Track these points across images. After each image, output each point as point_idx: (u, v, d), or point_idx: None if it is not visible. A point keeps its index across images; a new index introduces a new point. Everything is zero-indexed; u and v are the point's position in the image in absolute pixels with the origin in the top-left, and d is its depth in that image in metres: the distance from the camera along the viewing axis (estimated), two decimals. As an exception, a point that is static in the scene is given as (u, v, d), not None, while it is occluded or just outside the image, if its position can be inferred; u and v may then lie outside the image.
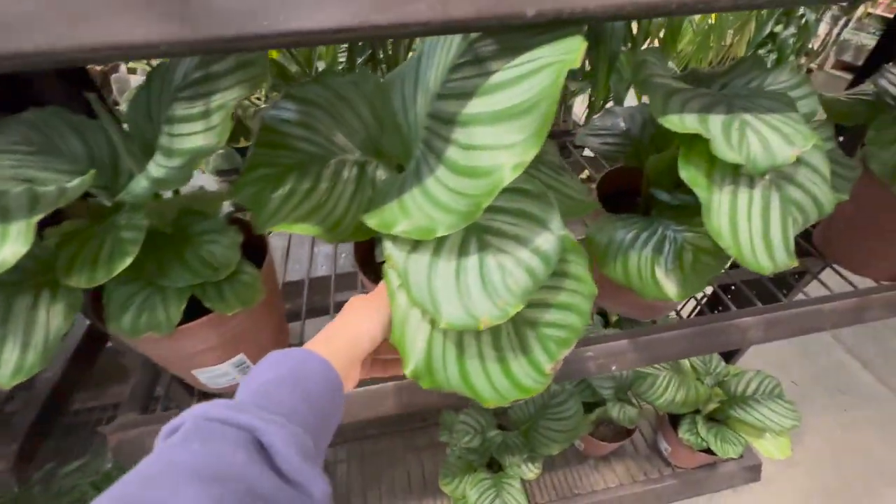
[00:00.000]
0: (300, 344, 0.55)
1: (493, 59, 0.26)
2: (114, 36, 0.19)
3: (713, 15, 2.30)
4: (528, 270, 0.27)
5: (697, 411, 1.02)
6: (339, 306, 0.62)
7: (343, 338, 0.30)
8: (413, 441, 1.19)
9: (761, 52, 2.36)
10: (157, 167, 0.31)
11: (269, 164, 0.33)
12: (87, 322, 0.56)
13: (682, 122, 0.28)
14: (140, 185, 0.28)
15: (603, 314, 1.08)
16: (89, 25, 0.19)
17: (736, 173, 0.30)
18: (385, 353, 0.36)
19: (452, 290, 0.27)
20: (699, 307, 1.02)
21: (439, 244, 0.29)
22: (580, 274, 0.31)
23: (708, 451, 0.97)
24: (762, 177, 0.30)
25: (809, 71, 2.65)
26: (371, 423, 1.24)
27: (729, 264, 0.81)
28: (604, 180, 0.52)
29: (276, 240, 0.79)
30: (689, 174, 0.29)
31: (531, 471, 0.88)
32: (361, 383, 0.47)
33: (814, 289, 0.62)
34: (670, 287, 0.39)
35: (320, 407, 0.26)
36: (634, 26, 0.88)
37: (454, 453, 0.92)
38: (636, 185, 0.50)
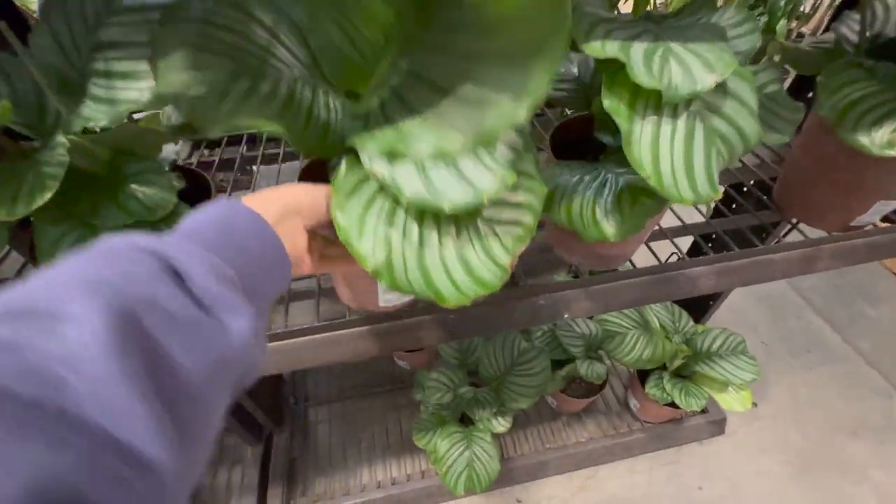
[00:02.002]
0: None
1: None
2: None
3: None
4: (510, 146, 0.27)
5: (665, 368, 1.05)
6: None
7: (278, 205, 0.28)
8: (392, 401, 1.22)
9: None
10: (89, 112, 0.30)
11: (209, 67, 0.31)
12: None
13: (602, 48, 0.28)
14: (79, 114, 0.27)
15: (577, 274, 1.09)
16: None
17: (659, 104, 0.29)
18: (332, 251, 0.35)
19: (449, 174, 0.27)
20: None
21: None
22: (531, 171, 0.31)
23: (673, 405, 1.01)
24: (686, 107, 0.30)
25: (801, 35, 2.60)
26: (351, 384, 1.26)
27: (711, 214, 0.82)
28: (556, 131, 0.51)
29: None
30: (612, 103, 0.29)
31: (501, 424, 0.92)
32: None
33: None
34: (609, 228, 0.39)
35: (253, 254, 0.24)
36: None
37: (427, 410, 0.95)
38: (588, 134, 0.50)
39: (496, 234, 0.30)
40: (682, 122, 0.30)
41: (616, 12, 0.42)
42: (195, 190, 0.45)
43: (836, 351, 1.40)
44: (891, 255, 0.62)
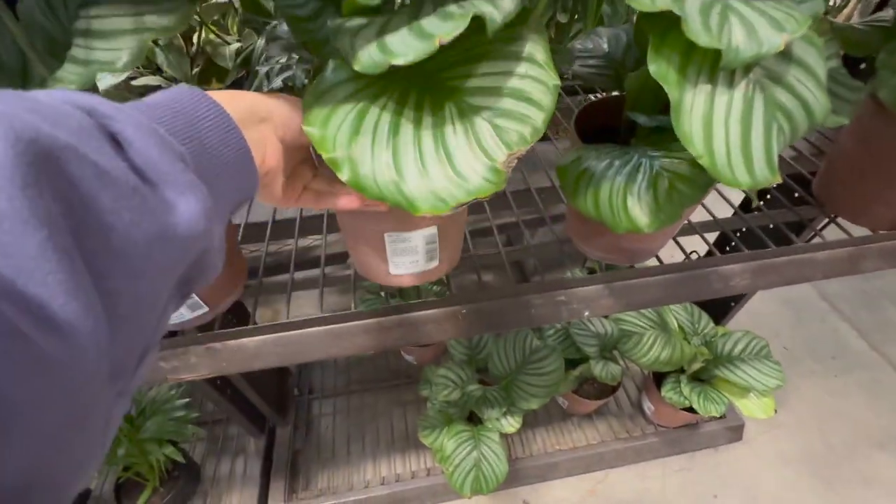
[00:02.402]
0: (259, 284, 0.53)
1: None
2: None
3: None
4: None
5: (682, 371, 1.00)
6: (302, 252, 0.59)
7: (243, 104, 0.24)
8: (398, 396, 1.20)
9: None
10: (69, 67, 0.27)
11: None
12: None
13: (653, 1, 0.24)
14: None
15: (592, 270, 1.05)
16: None
17: (715, 70, 0.25)
18: (318, 185, 0.32)
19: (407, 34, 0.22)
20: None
21: None
22: (539, 59, 0.27)
23: (690, 410, 0.97)
24: (745, 74, 0.26)
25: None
26: (356, 378, 1.24)
27: (740, 205, 0.76)
28: (582, 114, 0.47)
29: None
30: (659, 69, 0.25)
31: (510, 424, 0.88)
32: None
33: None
34: (642, 217, 0.35)
35: (211, 145, 0.21)
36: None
37: (434, 406, 0.92)
38: (617, 119, 0.46)
39: (493, 128, 0.26)
40: (739, 92, 0.26)
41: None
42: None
43: (862, 358, 1.33)
44: (943, 257, 0.57)
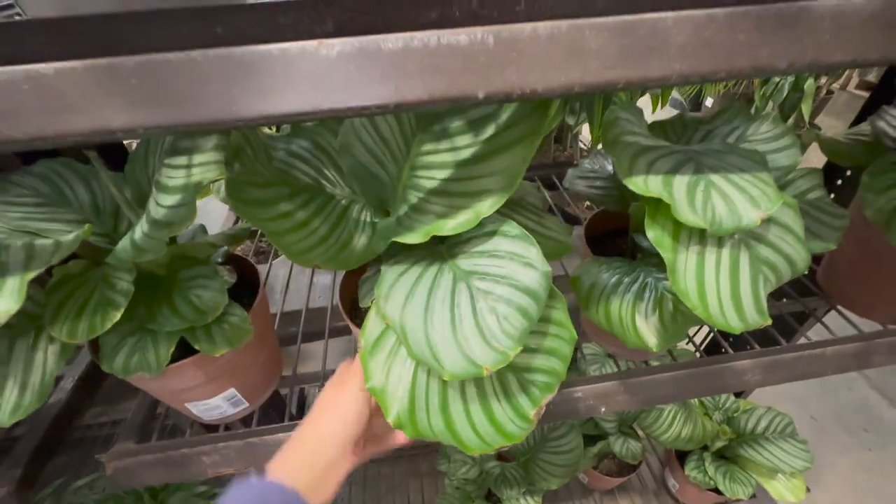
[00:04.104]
0: (293, 376, 0.56)
1: (461, 134, 0.29)
2: (95, 123, 0.21)
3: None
4: (522, 311, 0.27)
5: (706, 447, 0.98)
6: (333, 331, 0.63)
7: (312, 443, 0.32)
8: (415, 467, 1.18)
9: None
10: (142, 224, 0.33)
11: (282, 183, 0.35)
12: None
13: (646, 185, 0.29)
14: (124, 246, 0.30)
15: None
16: (73, 115, 0.21)
17: (703, 235, 0.30)
18: (377, 428, 0.37)
19: (452, 343, 0.27)
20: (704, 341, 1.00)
21: (429, 296, 0.30)
22: (561, 319, 0.32)
23: (717, 490, 0.94)
24: (731, 237, 0.30)
25: (830, 92, 2.60)
26: (374, 446, 1.23)
27: None
28: (592, 222, 0.52)
29: (279, 268, 0.81)
30: (655, 235, 0.29)
31: (530, 505, 0.87)
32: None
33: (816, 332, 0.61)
34: (650, 337, 0.39)
35: None
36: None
37: (452, 483, 0.91)
38: (624, 226, 0.50)
39: (522, 384, 0.31)
40: (726, 252, 0.30)
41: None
42: (244, 279, 0.48)
43: (895, 430, 1.28)
44: (955, 351, 0.58)
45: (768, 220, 0.31)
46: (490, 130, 0.30)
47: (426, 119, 0.33)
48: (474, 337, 0.26)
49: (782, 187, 0.42)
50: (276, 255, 0.83)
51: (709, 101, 2.95)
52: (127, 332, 0.37)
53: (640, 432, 1.11)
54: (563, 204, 0.95)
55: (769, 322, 0.30)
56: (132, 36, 0.20)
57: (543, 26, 0.22)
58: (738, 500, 1.05)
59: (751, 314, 0.30)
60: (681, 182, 0.29)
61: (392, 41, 0.22)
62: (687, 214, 0.27)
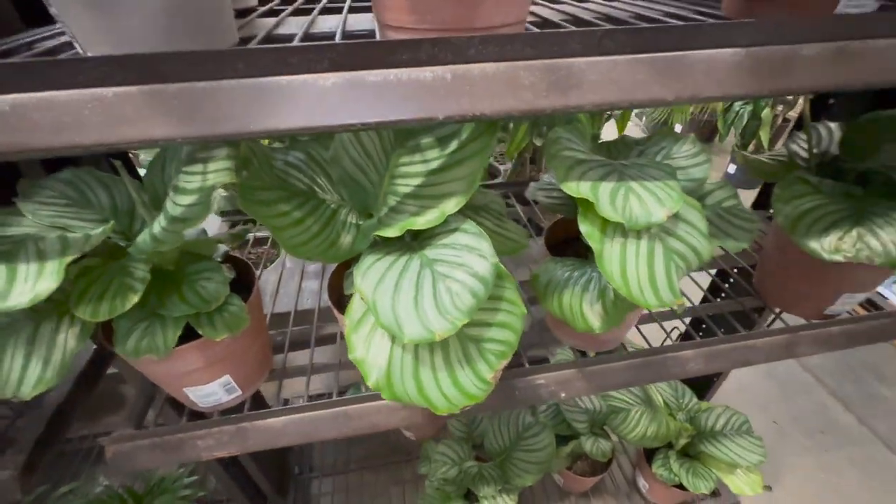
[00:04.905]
0: (283, 370, 0.61)
1: (431, 149, 0.36)
2: (143, 134, 0.27)
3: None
4: (472, 292, 0.34)
5: (671, 446, 1.04)
6: (321, 339, 0.68)
7: None
8: (397, 474, 1.21)
9: (738, 103, 2.51)
10: (160, 220, 0.39)
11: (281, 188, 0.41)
12: (93, 347, 0.62)
13: (577, 188, 0.36)
14: (144, 238, 0.35)
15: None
16: (127, 127, 0.27)
17: (625, 229, 0.37)
18: None
19: (412, 314, 0.33)
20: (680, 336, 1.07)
21: (400, 278, 0.36)
22: (513, 297, 0.38)
23: (682, 486, 1.00)
24: (647, 232, 0.38)
25: (787, 120, 2.80)
26: (356, 456, 1.26)
27: (700, 301, 0.88)
28: (551, 228, 0.59)
29: (269, 274, 0.86)
30: (587, 229, 0.37)
31: (506, 502, 0.91)
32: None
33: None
34: (594, 321, 0.45)
35: None
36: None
37: (432, 484, 0.95)
38: (577, 231, 0.58)
39: (481, 352, 0.37)
40: (644, 244, 0.37)
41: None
42: (241, 276, 0.53)
43: (852, 433, 1.36)
44: (870, 342, 0.66)
45: (677, 219, 0.38)
46: (453, 146, 0.37)
47: (403, 136, 0.40)
48: (431, 310, 0.32)
49: (702, 197, 0.50)
50: (266, 266, 0.89)
51: (678, 127, 3.14)
52: (138, 318, 0.42)
53: (614, 437, 1.16)
54: (537, 218, 1.04)
55: (681, 300, 0.37)
56: (175, 68, 0.26)
57: (490, 66, 0.30)
58: (703, 496, 1.11)
59: (665, 293, 0.37)
60: (606, 187, 0.36)
61: (374, 75, 0.29)
62: (608, 212, 0.35)
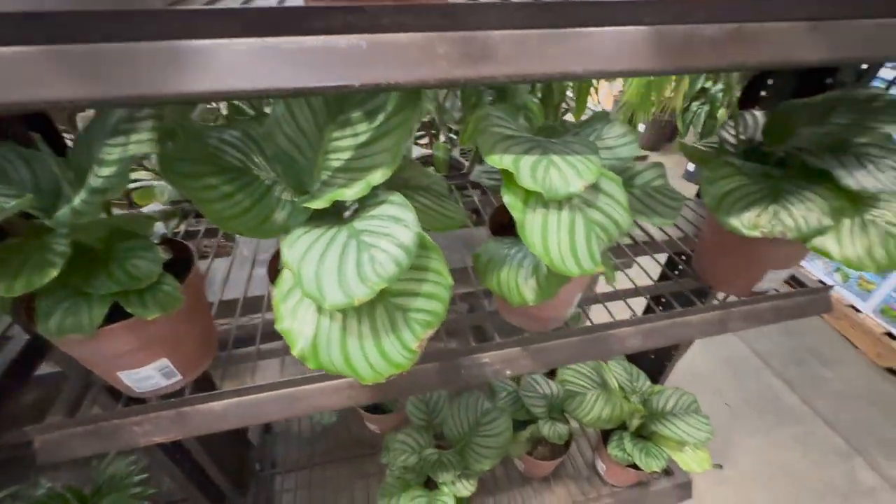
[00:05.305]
0: (226, 361, 0.60)
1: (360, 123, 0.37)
2: (45, 95, 0.27)
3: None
4: (394, 260, 0.34)
5: (626, 428, 1.08)
6: (269, 323, 0.67)
7: None
8: (361, 468, 1.21)
9: (696, 103, 2.62)
10: (81, 193, 0.38)
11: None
12: (26, 338, 0.60)
13: (500, 160, 0.37)
14: (64, 211, 0.35)
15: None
16: (29, 89, 0.26)
17: (546, 200, 0.39)
18: None
19: (335, 280, 0.34)
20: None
21: (327, 248, 0.36)
22: (439, 268, 0.39)
23: (636, 467, 1.03)
24: (569, 203, 0.39)
25: (742, 121, 2.93)
26: (320, 450, 1.25)
27: (658, 278, 0.91)
28: (496, 211, 0.61)
29: (221, 262, 0.85)
30: (510, 200, 0.38)
31: (465, 488, 0.92)
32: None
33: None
34: (528, 294, 0.47)
35: None
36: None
37: (392, 473, 0.95)
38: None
39: (407, 322, 0.38)
40: (565, 214, 0.39)
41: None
42: (180, 258, 0.52)
43: (795, 412, 1.44)
44: (796, 317, 0.70)
45: (599, 192, 0.40)
46: (381, 118, 0.38)
47: (335, 111, 0.41)
48: (353, 277, 0.33)
49: (633, 177, 0.53)
50: (204, 256, 0.87)
51: (641, 127, 3.25)
52: (62, 297, 0.41)
53: (574, 423, 1.20)
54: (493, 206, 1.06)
55: (601, 269, 0.39)
56: (82, 28, 0.26)
57: (404, 36, 0.31)
58: (657, 476, 1.16)
59: (585, 262, 0.39)
60: (528, 160, 0.38)
61: (288, 42, 0.29)
62: (528, 182, 0.36)
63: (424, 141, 1.34)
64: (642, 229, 0.84)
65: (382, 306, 0.38)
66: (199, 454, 0.94)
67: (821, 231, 0.50)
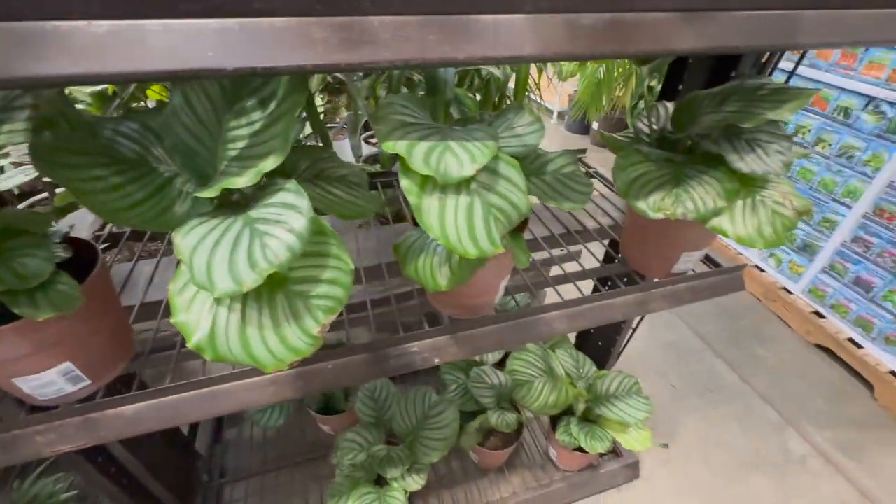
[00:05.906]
0: (146, 357, 0.58)
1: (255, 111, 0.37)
2: None
3: (602, 70, 2.65)
4: (287, 246, 0.34)
5: (573, 413, 1.12)
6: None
7: None
8: (314, 471, 1.19)
9: (642, 102, 2.74)
10: None
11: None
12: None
13: (394, 146, 0.38)
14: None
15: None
16: None
17: (442, 185, 0.40)
18: None
19: (226, 268, 0.33)
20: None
21: (221, 237, 0.36)
22: (339, 254, 0.39)
23: (582, 450, 1.07)
24: (467, 186, 0.41)
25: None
26: (273, 455, 1.22)
27: (603, 259, 0.94)
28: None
29: (144, 266, 0.81)
30: (406, 184, 0.39)
31: (415, 482, 0.92)
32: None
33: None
34: (442, 280, 0.48)
35: None
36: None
37: (342, 473, 0.94)
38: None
39: (309, 308, 0.38)
40: (463, 197, 0.40)
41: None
42: (85, 259, 0.50)
43: (734, 389, 1.53)
44: (711, 297, 0.75)
45: (498, 177, 0.42)
46: (273, 105, 0.38)
47: (231, 99, 0.40)
48: (243, 264, 0.33)
49: (545, 164, 0.55)
50: (141, 258, 0.84)
51: (595, 125, 3.36)
52: (-61, 298, 0.39)
53: (528, 413, 1.22)
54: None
55: (502, 250, 0.40)
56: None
57: (279, 20, 0.31)
58: (606, 458, 1.20)
59: (484, 244, 0.40)
60: (423, 146, 0.39)
61: (154, 25, 0.29)
62: (420, 166, 0.37)
63: (375, 140, 1.34)
64: (594, 218, 0.87)
65: (283, 294, 0.38)
66: (136, 468, 0.90)
67: (716, 212, 0.54)
